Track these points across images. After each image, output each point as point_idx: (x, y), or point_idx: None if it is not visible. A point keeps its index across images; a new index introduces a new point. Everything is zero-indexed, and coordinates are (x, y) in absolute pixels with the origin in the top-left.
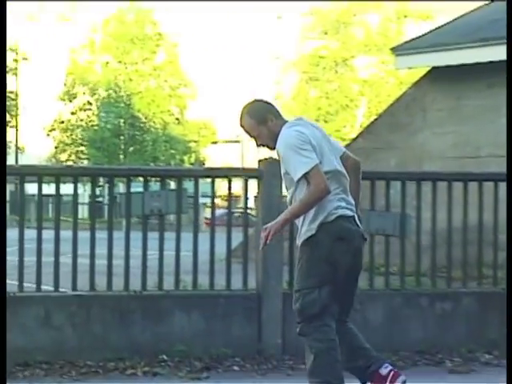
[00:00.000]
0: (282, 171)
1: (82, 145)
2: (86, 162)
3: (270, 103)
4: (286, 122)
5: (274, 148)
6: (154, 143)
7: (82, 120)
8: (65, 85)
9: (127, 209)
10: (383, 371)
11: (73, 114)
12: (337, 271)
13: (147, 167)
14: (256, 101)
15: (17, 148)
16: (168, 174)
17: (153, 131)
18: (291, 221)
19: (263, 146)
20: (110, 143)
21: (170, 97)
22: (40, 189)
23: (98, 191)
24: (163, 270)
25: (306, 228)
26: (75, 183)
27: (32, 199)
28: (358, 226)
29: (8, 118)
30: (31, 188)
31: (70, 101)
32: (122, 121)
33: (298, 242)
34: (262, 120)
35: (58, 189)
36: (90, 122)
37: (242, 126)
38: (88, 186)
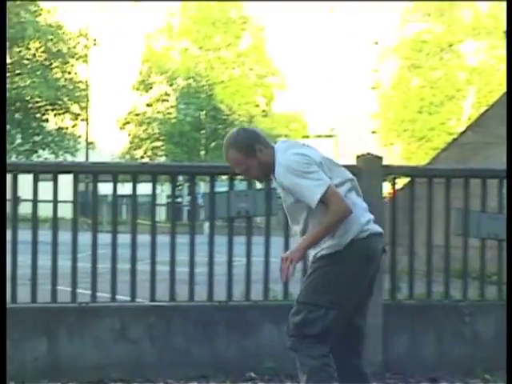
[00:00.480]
0: (289, 201)
1: (158, 140)
2: (163, 159)
3: (255, 131)
4: (273, 148)
5: (265, 180)
6: None
7: (158, 112)
8: (140, 73)
9: (211, 210)
10: None
11: (149, 105)
12: (355, 292)
13: None
14: (241, 131)
15: (87, 143)
16: None
17: (237, 124)
18: (312, 247)
19: (253, 178)
20: (190, 138)
21: (256, 86)
22: (115, 189)
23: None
24: (251, 279)
25: (333, 241)
26: (153, 182)
27: (103, 200)
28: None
29: (78, 110)
30: (102, 188)
31: (146, 91)
32: (202, 113)
33: (316, 253)
34: (251, 152)
35: (134, 188)
36: (167, 114)
37: (227, 160)
38: (166, 186)
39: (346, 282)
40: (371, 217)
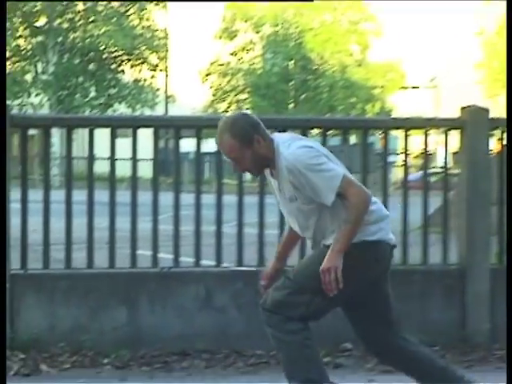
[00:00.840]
0: (300, 202)
1: (243, 92)
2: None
3: (256, 119)
4: (272, 140)
5: (258, 175)
6: (331, 89)
7: (243, 62)
8: (223, 20)
9: None
10: None
11: (233, 55)
12: (349, 289)
13: (327, 118)
14: (240, 116)
15: (167, 96)
16: (353, 126)
17: (329, 75)
18: (346, 248)
19: (243, 171)
20: (278, 90)
21: (350, 33)
22: (198, 145)
23: None
24: None
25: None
26: None
27: (184, 158)
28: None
29: (156, 60)
30: (183, 145)
31: (230, 39)
32: (291, 63)
33: (324, 242)
34: (247, 141)
35: None
36: (253, 64)
37: (219, 145)
38: None
39: (343, 277)
40: (388, 214)
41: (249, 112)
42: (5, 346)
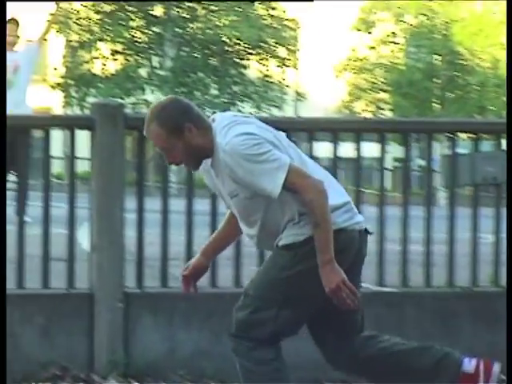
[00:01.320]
0: (242, 196)
1: (383, 90)
2: (389, 114)
3: (188, 104)
4: (210, 127)
5: (196, 168)
6: (482, 88)
7: (383, 57)
8: (361, 10)
9: (451, 177)
10: (468, 368)
11: (371, 48)
12: (318, 292)
13: (479, 120)
14: (170, 101)
15: (297, 94)
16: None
17: (479, 72)
18: (331, 252)
19: (177, 164)
20: (421, 88)
21: (503, 25)
22: (335, 149)
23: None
24: (500, 260)
25: (294, 230)
26: (382, 142)
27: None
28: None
29: (285, 54)
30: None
31: (369, 32)
32: (437, 58)
33: (277, 242)
34: (176, 130)
35: (358, 150)
36: (394, 59)
37: (147, 135)
38: (393, 147)
39: (307, 279)
40: (348, 200)
41: (180, 97)
42: (5, 347)
